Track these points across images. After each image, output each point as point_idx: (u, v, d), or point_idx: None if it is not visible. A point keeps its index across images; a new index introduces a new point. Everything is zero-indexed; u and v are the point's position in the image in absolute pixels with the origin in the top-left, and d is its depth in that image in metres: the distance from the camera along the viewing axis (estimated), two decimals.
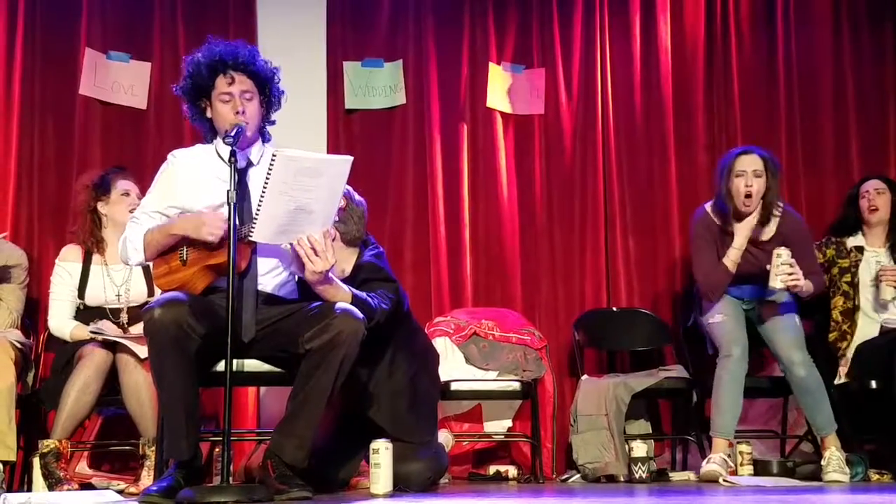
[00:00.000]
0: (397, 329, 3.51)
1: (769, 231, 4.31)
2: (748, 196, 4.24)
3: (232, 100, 3.24)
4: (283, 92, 3.37)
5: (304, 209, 3.05)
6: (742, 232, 4.28)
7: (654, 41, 5.26)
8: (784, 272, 4.07)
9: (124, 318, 4.03)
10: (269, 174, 2.99)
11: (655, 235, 5.17)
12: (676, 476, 4.46)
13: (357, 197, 3.65)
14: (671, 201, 5.18)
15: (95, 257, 4.08)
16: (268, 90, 3.33)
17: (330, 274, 3.19)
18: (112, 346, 3.81)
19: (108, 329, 3.91)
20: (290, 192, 3.01)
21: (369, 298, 3.34)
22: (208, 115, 3.31)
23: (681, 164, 5.21)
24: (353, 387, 3.18)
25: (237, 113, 3.22)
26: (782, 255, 4.08)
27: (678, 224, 5.15)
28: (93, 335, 3.84)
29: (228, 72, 3.24)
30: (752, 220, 4.27)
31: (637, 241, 5.15)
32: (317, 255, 3.11)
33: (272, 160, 2.98)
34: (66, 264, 4.08)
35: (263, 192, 3.00)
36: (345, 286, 3.28)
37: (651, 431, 4.71)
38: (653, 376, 4.51)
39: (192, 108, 3.33)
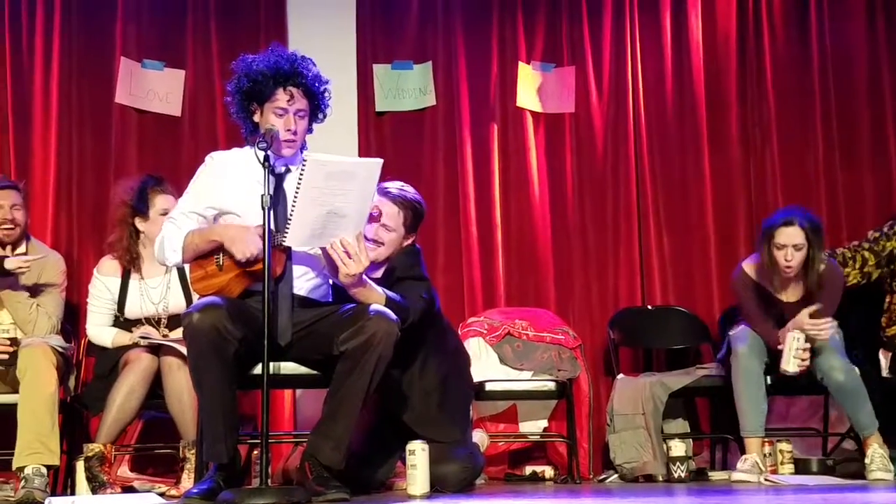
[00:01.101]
0: (428, 329, 3.52)
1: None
2: (788, 268, 4.19)
3: (286, 115, 3.27)
4: (329, 106, 3.40)
5: (337, 213, 3.08)
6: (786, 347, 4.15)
7: (685, 35, 5.23)
8: (800, 356, 4.05)
9: (164, 324, 4.08)
10: (300, 179, 3.01)
11: (690, 232, 5.13)
12: (716, 475, 4.42)
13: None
14: (705, 197, 5.14)
15: (133, 272, 4.12)
16: (318, 109, 3.36)
17: (363, 276, 3.20)
18: (156, 351, 3.86)
19: (153, 333, 3.97)
20: (322, 196, 3.04)
21: (402, 299, 3.35)
22: (255, 118, 3.33)
23: (714, 159, 5.17)
24: (386, 388, 3.20)
25: (288, 130, 3.26)
26: (799, 339, 4.06)
27: (713, 220, 5.11)
28: (140, 339, 3.90)
29: (290, 88, 3.26)
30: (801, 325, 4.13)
31: (671, 238, 5.12)
32: (350, 258, 3.13)
33: (303, 165, 3.01)
34: (105, 278, 4.11)
35: (296, 197, 3.02)
36: (378, 288, 3.30)
37: (689, 430, 4.68)
38: (690, 375, 4.48)
39: (239, 106, 3.34)
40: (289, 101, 3.27)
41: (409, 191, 3.63)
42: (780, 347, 4.10)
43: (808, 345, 4.07)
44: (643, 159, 5.15)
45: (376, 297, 3.26)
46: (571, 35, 5.20)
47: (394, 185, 3.60)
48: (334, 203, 3.06)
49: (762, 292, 4.27)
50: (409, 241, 3.63)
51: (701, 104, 5.18)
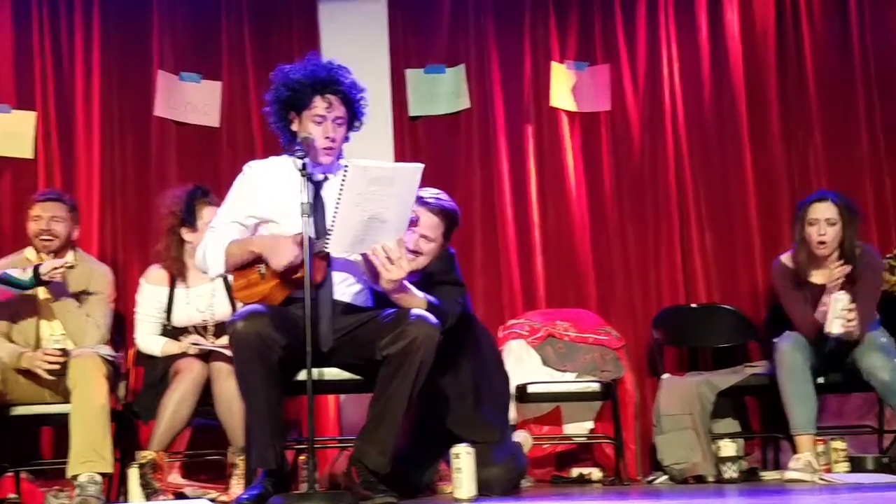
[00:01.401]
0: (460, 331, 3.52)
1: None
2: (821, 243, 4.17)
3: (324, 123, 3.29)
4: (365, 114, 3.42)
5: (378, 218, 3.09)
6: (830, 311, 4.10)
7: (722, 28, 5.17)
8: (844, 317, 3.99)
9: (211, 331, 4.13)
10: (342, 185, 3.02)
11: (733, 229, 5.08)
12: (768, 475, 4.37)
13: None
14: (748, 193, 5.08)
15: (179, 281, 4.16)
16: (355, 117, 3.38)
17: (405, 281, 3.21)
18: (205, 359, 3.90)
19: (202, 340, 4.01)
20: (364, 202, 3.05)
21: (441, 304, 3.36)
22: (293, 127, 3.35)
23: (756, 155, 5.11)
24: (425, 391, 3.21)
25: (327, 138, 3.28)
26: (842, 300, 3.99)
27: (756, 216, 5.05)
28: (189, 348, 3.94)
29: (327, 95, 3.29)
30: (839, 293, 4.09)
31: (714, 235, 5.07)
32: (392, 263, 3.14)
33: (344, 171, 3.02)
34: (152, 287, 4.16)
35: (338, 203, 3.04)
36: (419, 293, 3.30)
37: (739, 430, 4.62)
38: (738, 373, 4.43)
39: (277, 116, 3.36)
40: (327, 108, 3.29)
41: (445, 199, 3.63)
42: (822, 309, 4.04)
43: (852, 305, 4.01)
44: (682, 156, 5.10)
45: (417, 302, 3.27)
46: (605, 32, 5.18)
47: (430, 194, 3.59)
48: (375, 209, 3.07)
49: (798, 280, 4.24)
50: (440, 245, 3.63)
51: (740, 98, 5.12)
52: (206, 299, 4.14)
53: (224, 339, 3.93)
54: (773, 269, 4.36)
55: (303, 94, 3.29)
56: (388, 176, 3.07)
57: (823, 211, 4.18)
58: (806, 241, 4.21)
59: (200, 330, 4.13)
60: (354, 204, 3.04)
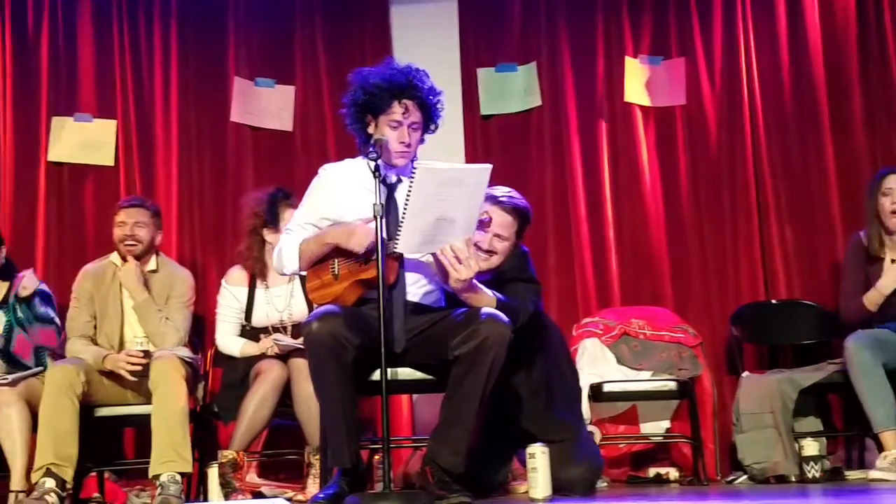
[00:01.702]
0: (531, 329, 3.50)
1: None
2: (894, 213, 4.12)
3: (400, 128, 3.31)
4: (441, 117, 3.42)
5: (446, 219, 3.09)
6: (890, 275, 4.12)
7: (801, 18, 5.05)
8: None
9: (288, 332, 4.19)
10: (410, 186, 3.04)
11: (814, 223, 4.96)
12: (852, 474, 4.26)
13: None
14: (829, 187, 4.95)
15: (259, 281, 4.24)
16: (431, 121, 3.40)
17: (474, 280, 3.21)
18: (284, 360, 3.97)
19: (285, 337, 4.08)
20: (432, 202, 3.06)
21: (512, 301, 3.35)
22: (369, 130, 3.37)
23: (838, 147, 4.97)
24: (497, 390, 3.20)
25: (402, 143, 3.30)
26: None
27: (839, 210, 4.92)
28: (274, 343, 4.02)
29: (404, 100, 3.30)
30: None
31: (794, 229, 4.96)
32: (460, 263, 3.14)
33: (412, 172, 3.04)
34: (233, 288, 4.26)
35: (406, 205, 3.06)
36: (489, 291, 3.30)
37: (822, 428, 4.51)
38: (821, 370, 4.32)
39: (354, 118, 3.38)
40: (403, 113, 3.30)
41: (518, 197, 3.62)
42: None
43: None
44: (761, 150, 5.01)
45: (487, 301, 3.27)
46: (680, 25, 5.11)
47: (502, 192, 3.58)
48: (444, 209, 3.08)
49: (869, 256, 4.22)
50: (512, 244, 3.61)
51: (820, 87, 5.00)
52: (284, 299, 4.21)
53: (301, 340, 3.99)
54: (851, 241, 4.36)
55: (380, 99, 3.30)
56: (457, 177, 3.07)
57: None
58: (878, 215, 4.19)
59: (280, 330, 4.19)
60: (423, 204, 3.06)
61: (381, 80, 3.31)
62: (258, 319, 4.23)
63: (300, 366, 3.84)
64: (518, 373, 3.51)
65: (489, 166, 3.13)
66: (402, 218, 3.08)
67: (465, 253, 3.14)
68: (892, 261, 4.19)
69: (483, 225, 3.40)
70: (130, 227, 4.17)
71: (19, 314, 4.20)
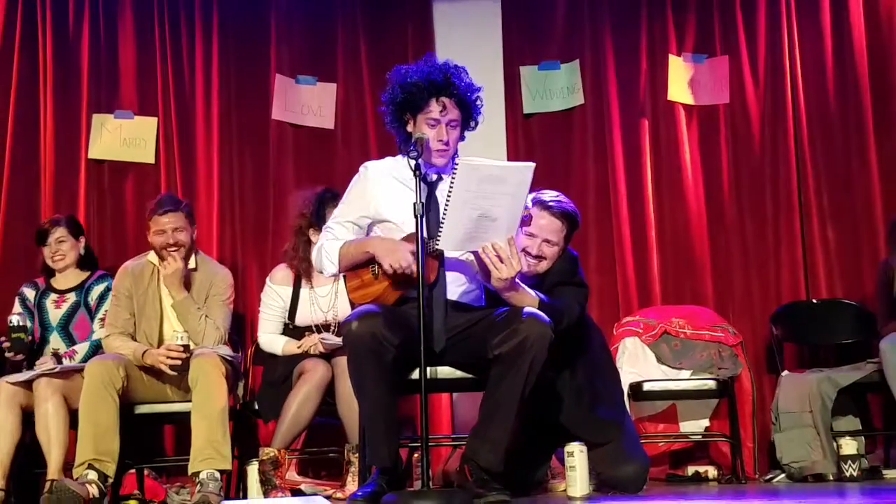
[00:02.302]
0: (573, 330, 3.49)
1: None
2: None
3: (438, 126, 3.30)
4: (480, 114, 3.41)
5: (488, 216, 3.09)
6: None
7: (846, 16, 5.00)
8: None
9: (332, 331, 4.20)
10: (452, 182, 3.04)
11: (856, 223, 4.93)
12: (891, 474, 4.23)
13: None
14: (872, 187, 4.91)
15: (303, 281, 4.27)
16: (470, 118, 3.39)
17: (516, 280, 3.21)
18: (327, 360, 3.99)
19: (329, 336, 4.10)
20: (474, 199, 3.05)
21: (556, 303, 3.34)
22: (408, 128, 3.37)
23: (882, 147, 4.93)
24: (539, 389, 3.20)
25: (440, 140, 3.29)
26: None
27: (882, 211, 4.88)
28: (320, 341, 4.04)
29: (442, 98, 3.30)
30: None
31: (836, 229, 4.93)
32: (502, 262, 3.14)
33: (454, 168, 3.04)
34: (278, 287, 4.28)
35: (448, 201, 3.06)
36: (532, 291, 3.30)
37: (861, 427, 4.48)
38: (860, 370, 4.30)
39: (393, 116, 3.38)
40: (441, 111, 3.30)
41: (566, 201, 3.61)
42: None
43: None
44: (804, 150, 4.97)
45: (529, 300, 3.26)
46: (724, 24, 5.08)
47: (550, 196, 3.57)
48: (486, 207, 3.07)
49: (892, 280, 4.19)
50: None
51: (865, 89, 4.95)
52: (329, 299, 4.23)
53: None
54: (878, 270, 4.34)
55: (418, 97, 3.30)
56: (499, 175, 3.06)
57: None
58: None
59: (323, 329, 4.21)
60: (464, 201, 3.05)
61: (418, 77, 3.30)
62: (302, 319, 4.25)
63: (344, 364, 3.84)
64: (561, 374, 3.51)
65: (532, 165, 3.12)
66: (444, 214, 3.08)
67: (506, 252, 3.13)
68: None
69: (523, 223, 3.39)
70: (171, 235, 4.14)
71: (89, 299, 4.32)
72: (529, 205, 3.41)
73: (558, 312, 3.30)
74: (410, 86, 3.31)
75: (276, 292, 4.27)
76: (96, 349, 4.21)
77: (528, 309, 3.17)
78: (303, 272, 4.25)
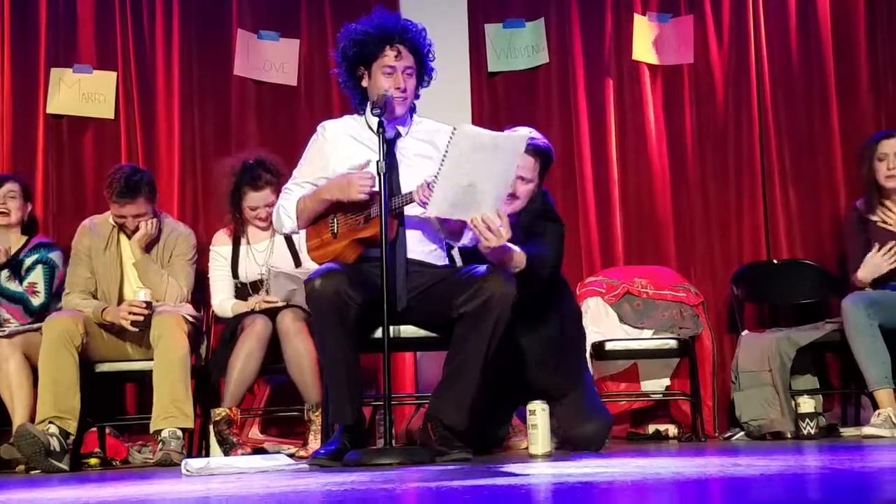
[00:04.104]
0: (550, 285, 3.49)
1: None
2: (890, 177, 4.19)
3: (395, 74, 3.27)
4: (434, 69, 3.39)
5: (478, 187, 3.06)
6: (868, 266, 4.19)
7: None
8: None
9: (266, 288, 4.17)
10: (447, 148, 3.00)
11: (818, 185, 4.96)
12: (847, 432, 4.30)
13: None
14: (833, 149, 4.95)
15: (242, 239, 4.24)
16: (424, 68, 3.36)
17: (505, 244, 3.17)
18: (271, 316, 3.95)
19: (272, 298, 4.06)
20: (466, 166, 3.01)
21: (541, 249, 3.34)
22: (363, 84, 3.34)
23: (843, 110, 4.97)
24: (504, 347, 3.20)
25: (398, 88, 3.26)
26: None
27: (842, 172, 4.93)
28: (256, 306, 4.01)
29: (396, 45, 3.27)
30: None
31: (798, 191, 4.96)
32: (491, 232, 3.11)
33: (452, 134, 2.99)
34: (219, 248, 4.27)
35: (441, 166, 3.02)
36: (517, 248, 3.26)
37: (818, 386, 4.55)
38: (819, 329, 4.35)
39: (347, 74, 3.35)
40: (396, 57, 3.27)
41: (539, 137, 3.55)
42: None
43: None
44: (766, 110, 4.99)
45: (518, 260, 3.25)
46: None
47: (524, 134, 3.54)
48: (477, 176, 3.03)
49: (866, 223, 4.27)
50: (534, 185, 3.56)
51: (827, 49, 4.98)
52: (265, 255, 4.20)
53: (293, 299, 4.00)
54: (848, 215, 4.40)
55: (371, 46, 3.27)
56: (493, 143, 3.03)
57: (893, 146, 4.22)
58: (875, 178, 4.24)
59: (258, 285, 4.18)
60: (458, 167, 3.00)
61: (370, 27, 3.28)
62: (245, 274, 4.22)
63: (287, 327, 3.84)
64: (533, 329, 3.51)
65: (526, 135, 3.12)
66: (436, 178, 3.03)
67: (496, 223, 3.10)
68: (878, 246, 4.20)
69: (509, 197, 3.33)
70: (131, 221, 4.07)
71: (21, 267, 4.23)
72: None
73: (545, 258, 3.31)
74: (362, 35, 3.29)
75: (218, 253, 4.26)
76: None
77: (491, 268, 3.16)
78: (240, 230, 4.23)
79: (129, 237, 4.12)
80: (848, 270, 4.34)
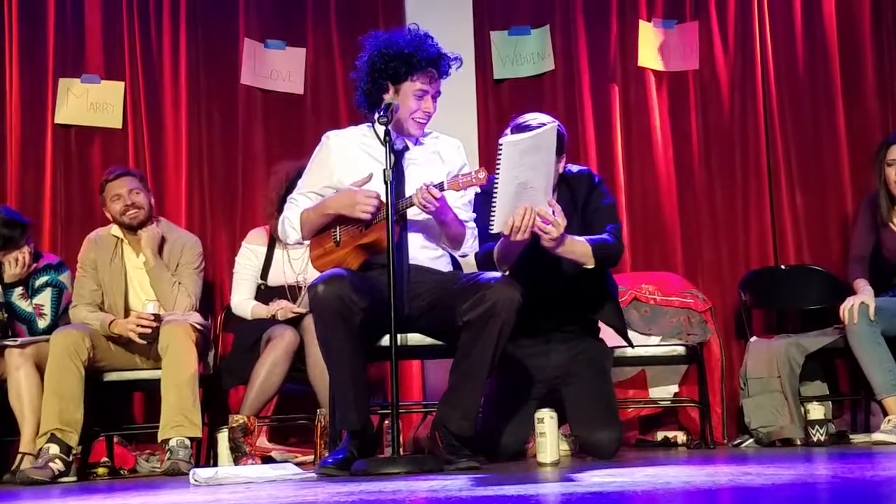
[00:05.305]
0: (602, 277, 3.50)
1: None
2: None
3: (426, 98, 3.30)
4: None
5: (528, 184, 3.08)
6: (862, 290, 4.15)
7: None
8: None
9: (301, 298, 4.18)
10: (498, 165, 3.01)
11: (825, 190, 4.95)
12: (857, 438, 4.27)
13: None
14: (840, 153, 4.94)
15: (278, 242, 4.25)
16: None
17: (565, 235, 3.19)
18: (296, 325, 3.97)
19: (293, 306, 4.08)
20: (517, 174, 3.05)
21: (607, 239, 3.37)
22: (385, 96, 3.31)
23: (850, 113, 4.96)
24: (512, 356, 3.20)
25: (426, 112, 3.30)
26: None
27: (849, 177, 4.92)
28: (282, 310, 4.04)
29: (431, 69, 3.29)
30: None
31: (805, 196, 4.95)
32: (548, 224, 3.13)
33: (499, 150, 3.01)
34: (253, 246, 4.31)
35: (496, 186, 3.02)
36: (579, 238, 3.28)
37: (828, 393, 4.53)
38: (828, 335, 4.32)
39: (369, 82, 3.32)
40: (430, 82, 3.29)
41: (544, 116, 3.55)
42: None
43: None
44: (773, 115, 4.98)
45: (582, 250, 3.27)
46: None
47: (527, 118, 3.52)
48: (526, 176, 3.07)
49: (880, 221, 4.25)
50: (562, 164, 3.56)
51: (833, 54, 4.97)
52: (301, 262, 4.21)
53: None
54: (864, 201, 4.38)
55: (408, 67, 3.25)
56: (535, 143, 3.07)
57: None
58: (885, 184, 4.20)
59: (296, 291, 4.19)
60: (511, 178, 3.05)
61: (411, 48, 3.25)
62: (275, 279, 4.25)
63: (313, 330, 3.84)
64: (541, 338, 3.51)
65: (555, 125, 3.19)
66: (494, 197, 3.05)
67: (550, 215, 3.13)
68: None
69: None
70: (127, 197, 4.11)
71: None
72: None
73: (611, 246, 3.35)
74: (397, 52, 3.26)
75: (250, 251, 4.29)
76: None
77: (495, 274, 3.17)
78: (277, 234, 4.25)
79: (125, 225, 4.13)
80: (848, 262, 4.32)
